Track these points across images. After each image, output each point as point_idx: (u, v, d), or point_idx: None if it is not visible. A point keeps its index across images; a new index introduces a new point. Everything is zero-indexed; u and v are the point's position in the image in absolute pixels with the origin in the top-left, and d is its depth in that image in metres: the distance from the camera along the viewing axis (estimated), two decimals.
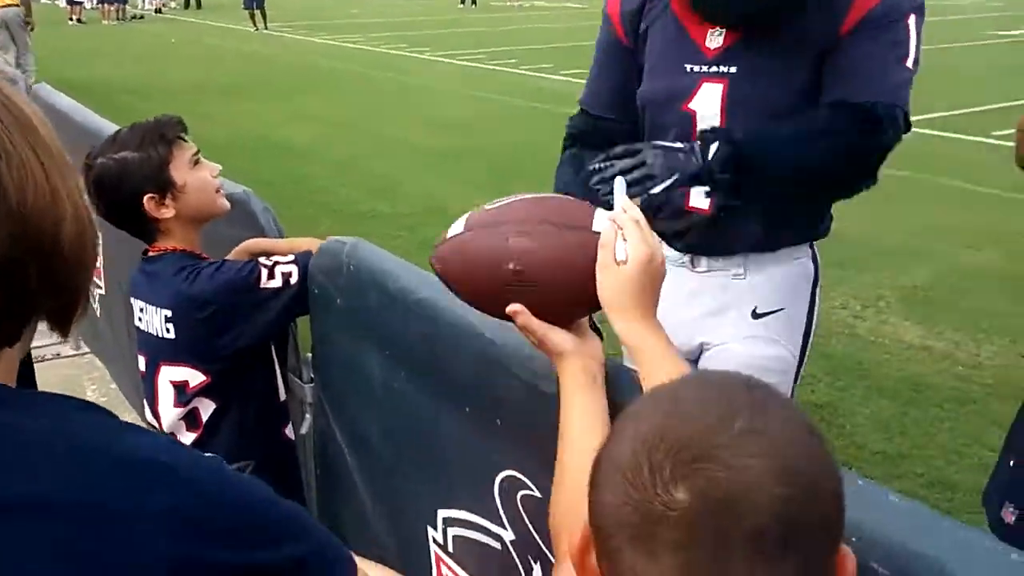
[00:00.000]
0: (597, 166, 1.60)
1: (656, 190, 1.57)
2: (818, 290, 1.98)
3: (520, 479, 1.36)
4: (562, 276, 1.13)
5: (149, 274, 1.92)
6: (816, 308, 1.99)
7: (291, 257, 1.91)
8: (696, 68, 1.79)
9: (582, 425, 1.11)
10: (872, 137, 1.66)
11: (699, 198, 1.85)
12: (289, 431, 2.11)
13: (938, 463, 3.40)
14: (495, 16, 26.69)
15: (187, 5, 29.47)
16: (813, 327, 1.98)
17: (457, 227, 1.22)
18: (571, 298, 1.15)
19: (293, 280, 1.87)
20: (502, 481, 1.39)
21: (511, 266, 1.13)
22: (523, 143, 9.33)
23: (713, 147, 1.60)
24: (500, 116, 11.10)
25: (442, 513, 1.55)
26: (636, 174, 1.56)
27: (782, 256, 1.91)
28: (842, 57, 1.70)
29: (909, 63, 1.69)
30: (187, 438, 1.95)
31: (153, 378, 1.96)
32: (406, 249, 5.81)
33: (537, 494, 1.32)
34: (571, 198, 1.28)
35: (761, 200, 1.73)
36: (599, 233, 1.13)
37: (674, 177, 1.58)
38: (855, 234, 4.99)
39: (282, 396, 2.08)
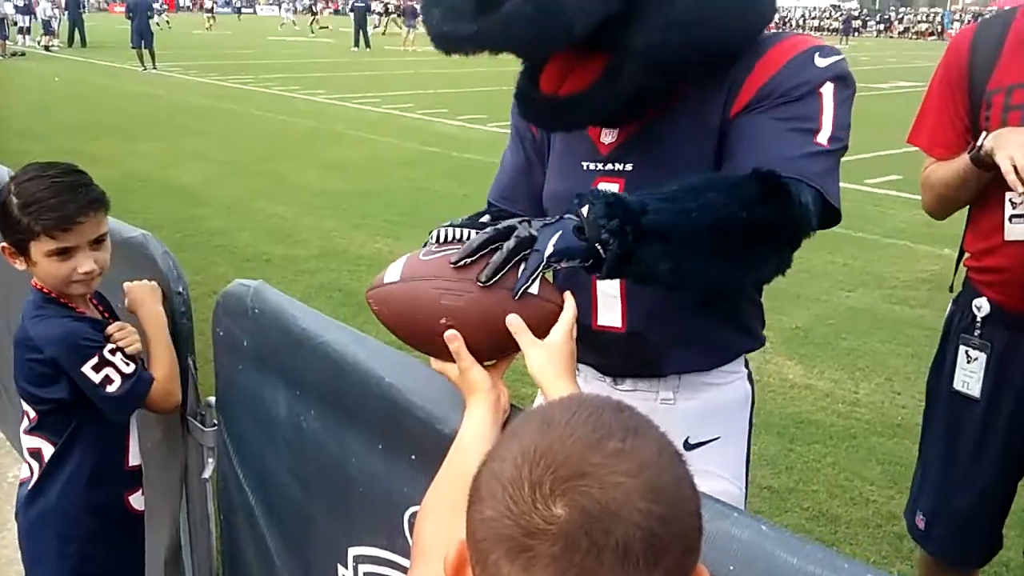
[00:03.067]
0: (465, 253, 1.25)
1: (549, 249, 1.22)
2: (753, 411, 1.74)
3: None
4: (485, 330, 1.24)
5: (25, 302, 1.96)
6: (751, 432, 1.75)
7: (132, 368, 1.91)
8: (592, 166, 1.58)
9: (475, 432, 1.21)
10: (775, 206, 1.31)
11: (608, 315, 1.61)
12: (136, 501, 2.08)
13: (822, 497, 3.56)
14: (389, 60, 26.86)
15: (71, 42, 28.64)
16: (750, 454, 1.74)
17: (393, 274, 1.30)
18: (492, 349, 1.27)
19: (110, 388, 1.88)
20: (410, 517, 1.43)
21: (443, 321, 1.23)
22: (419, 186, 9.42)
23: (587, 205, 1.25)
24: (395, 159, 11.15)
25: (353, 551, 1.57)
26: (514, 239, 1.24)
27: (716, 376, 1.66)
28: (731, 140, 1.46)
29: (821, 138, 1.39)
30: (27, 471, 2.01)
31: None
32: (306, 293, 5.80)
33: None
34: None
35: (664, 273, 1.32)
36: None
37: (559, 232, 1.23)
38: None
39: (132, 461, 2.06)
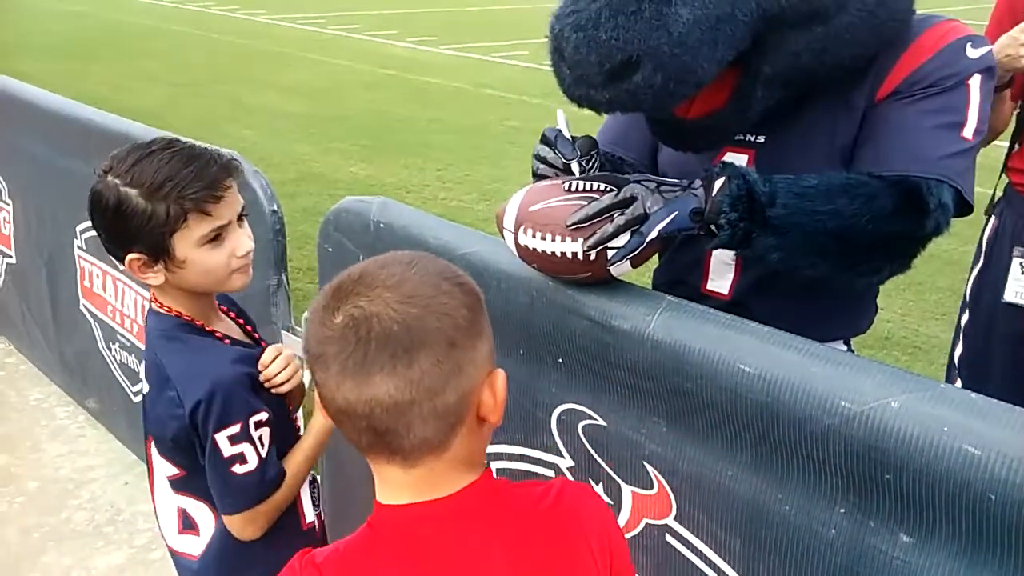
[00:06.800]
0: (580, 217, 1.32)
1: (652, 235, 1.29)
2: None
3: (580, 410, 1.52)
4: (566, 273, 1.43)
5: (148, 329, 1.54)
6: None
7: (266, 451, 1.48)
8: None
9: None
10: (908, 220, 1.36)
11: (718, 280, 1.62)
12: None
13: None
14: None
15: None
16: None
17: (510, 217, 1.42)
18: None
19: (238, 469, 1.45)
20: (560, 414, 1.55)
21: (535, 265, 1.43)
22: (382, 109, 9.36)
23: (719, 182, 1.30)
24: (352, 82, 11.01)
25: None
26: (627, 215, 1.29)
27: None
28: (874, 125, 1.43)
29: (967, 132, 1.40)
30: (182, 542, 1.58)
31: (147, 450, 1.60)
32: (291, 216, 5.75)
33: (600, 422, 1.49)
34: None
35: (773, 261, 1.36)
36: None
37: (673, 214, 1.29)
38: None
39: (308, 518, 1.64)
